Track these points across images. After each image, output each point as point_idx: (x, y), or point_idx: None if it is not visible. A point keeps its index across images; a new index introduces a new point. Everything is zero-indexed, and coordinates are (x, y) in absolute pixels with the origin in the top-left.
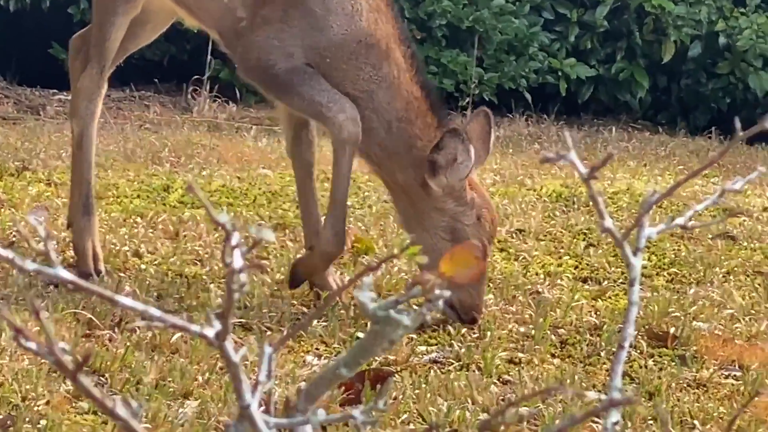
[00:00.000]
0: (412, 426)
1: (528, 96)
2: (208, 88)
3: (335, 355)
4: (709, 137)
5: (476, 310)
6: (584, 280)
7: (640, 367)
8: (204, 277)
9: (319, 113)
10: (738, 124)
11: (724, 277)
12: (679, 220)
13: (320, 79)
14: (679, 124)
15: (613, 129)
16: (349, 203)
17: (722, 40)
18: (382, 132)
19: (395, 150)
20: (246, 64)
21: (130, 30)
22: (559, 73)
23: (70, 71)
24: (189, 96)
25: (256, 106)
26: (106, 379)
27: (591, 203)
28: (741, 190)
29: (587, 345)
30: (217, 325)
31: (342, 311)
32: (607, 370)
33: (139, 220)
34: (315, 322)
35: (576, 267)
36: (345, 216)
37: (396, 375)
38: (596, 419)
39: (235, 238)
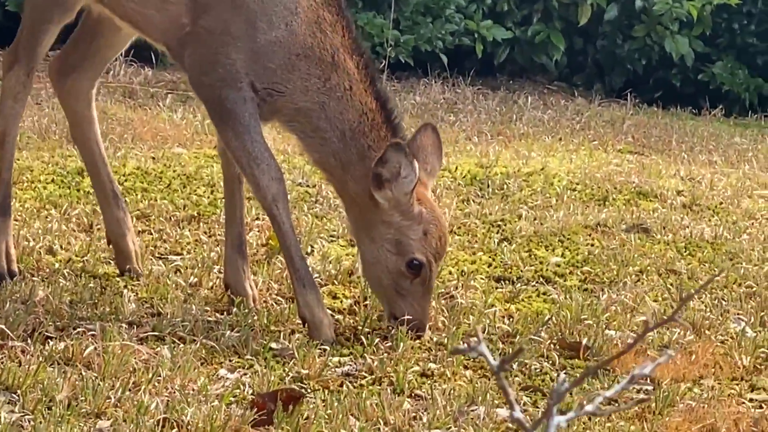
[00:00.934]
0: None
1: (444, 58)
2: (123, 51)
3: (249, 368)
4: (624, 103)
5: (421, 327)
6: (498, 280)
7: (552, 381)
8: (117, 278)
9: (245, 164)
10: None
11: (637, 276)
12: (589, 407)
13: (258, 129)
14: (596, 86)
15: (529, 96)
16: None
17: (638, 3)
18: (336, 142)
19: (348, 160)
20: (194, 80)
21: (106, 39)
22: (476, 35)
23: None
24: None
25: (172, 69)
26: (19, 396)
27: (505, 187)
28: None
29: (499, 355)
30: None
31: (256, 320)
32: (519, 383)
33: (53, 211)
34: (228, 332)
35: (490, 265)
36: (312, 282)
37: (308, 394)
38: None
39: None
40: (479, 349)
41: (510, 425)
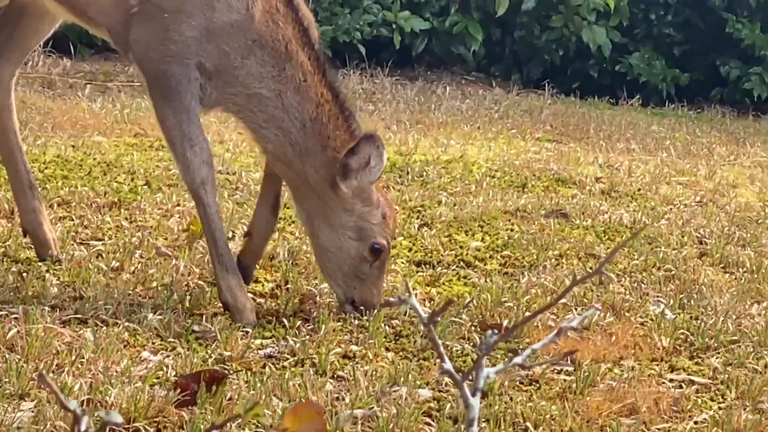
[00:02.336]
0: (247, 430)
1: (362, 49)
2: (41, 42)
3: (171, 350)
4: (542, 93)
5: (373, 307)
6: (418, 264)
7: (474, 362)
8: (39, 263)
9: (178, 144)
10: None
11: (557, 260)
12: (518, 359)
13: (197, 111)
14: (513, 77)
15: (447, 86)
16: None
17: None
18: (294, 132)
19: (308, 150)
20: (139, 54)
21: (29, 26)
22: (394, 26)
23: None
24: None
25: (91, 60)
26: None
27: (424, 174)
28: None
29: (421, 337)
30: None
31: (178, 304)
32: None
33: None
34: (150, 315)
35: (410, 249)
36: (234, 267)
37: (231, 375)
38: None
39: (84, 422)
40: (410, 301)
41: (431, 404)
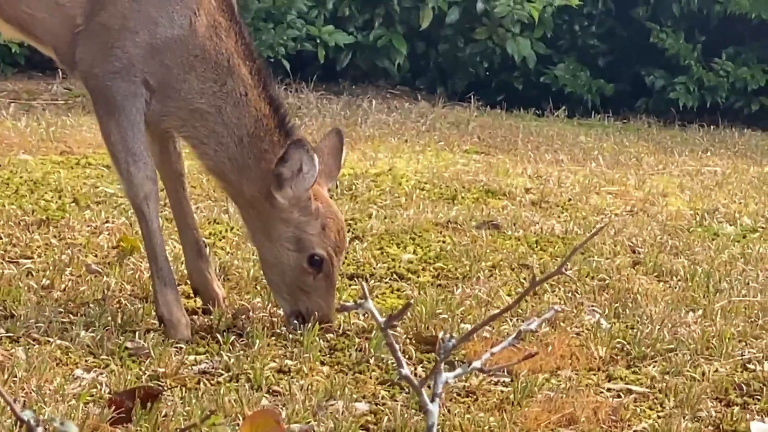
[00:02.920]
0: None
1: (287, 64)
2: None
3: (105, 367)
4: (468, 105)
5: (328, 320)
6: (351, 278)
7: (482, 373)
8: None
9: (122, 159)
10: None
11: (490, 271)
12: (477, 363)
13: (141, 126)
14: (439, 90)
15: (373, 99)
16: (111, 190)
17: (480, 5)
18: (232, 146)
19: (244, 164)
20: (84, 71)
21: None
22: (318, 41)
23: None
24: None
25: (14, 78)
26: None
27: (353, 187)
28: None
29: (356, 350)
30: None
31: (110, 321)
32: (376, 378)
33: None
34: (82, 332)
35: (343, 263)
36: (172, 282)
37: (166, 391)
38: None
39: None
40: (366, 305)
41: (368, 417)
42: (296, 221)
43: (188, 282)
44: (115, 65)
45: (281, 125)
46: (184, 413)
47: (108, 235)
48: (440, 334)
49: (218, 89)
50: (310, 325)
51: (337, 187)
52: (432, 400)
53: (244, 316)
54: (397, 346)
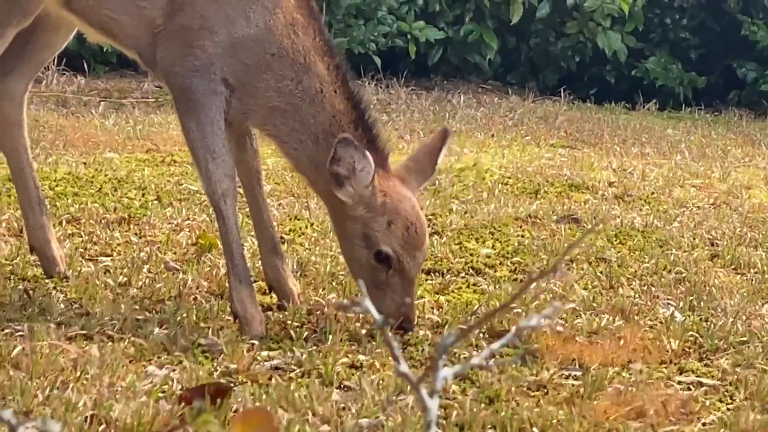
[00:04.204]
0: None
1: (377, 60)
2: (56, 60)
3: (177, 364)
4: (558, 100)
5: (407, 320)
6: (428, 272)
7: (481, 369)
8: (46, 280)
9: (201, 157)
10: None
11: (567, 265)
12: (476, 360)
13: (221, 123)
14: (530, 84)
15: (462, 94)
16: (194, 188)
17: (570, 0)
18: (310, 144)
19: (321, 162)
20: (165, 69)
21: (42, 40)
22: (408, 36)
23: None
24: None
25: (105, 77)
26: None
27: (436, 182)
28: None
29: (429, 345)
30: None
31: (185, 317)
32: None
33: None
34: (156, 329)
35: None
36: (248, 279)
37: (236, 387)
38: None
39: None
40: (363, 304)
41: (438, 412)
42: (363, 218)
43: (264, 278)
44: (194, 64)
45: (358, 122)
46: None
47: (188, 232)
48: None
49: (294, 87)
50: (388, 324)
51: None
52: (431, 396)
53: (318, 312)
54: (395, 344)
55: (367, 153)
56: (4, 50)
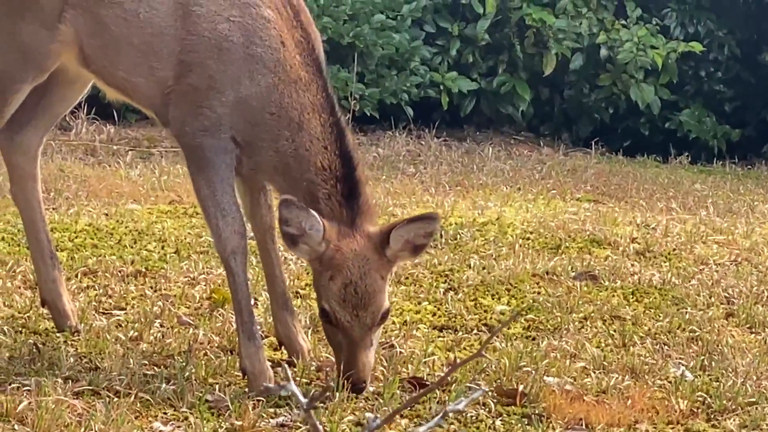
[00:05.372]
0: None
1: (410, 111)
2: (85, 109)
3: (183, 420)
4: (590, 152)
5: (356, 381)
6: (441, 329)
7: (488, 428)
8: (57, 334)
9: (212, 214)
10: None
11: (580, 323)
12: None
13: (231, 181)
14: (563, 136)
15: (493, 145)
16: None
17: (604, 52)
18: (306, 201)
19: None
20: (176, 128)
21: (57, 94)
22: (441, 87)
23: None
24: (67, 116)
25: (135, 126)
26: None
27: (458, 237)
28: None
29: (436, 403)
30: None
31: (193, 373)
32: (455, 431)
33: None
34: (164, 385)
35: (434, 314)
36: (257, 336)
37: None
38: None
39: None
40: (289, 387)
41: None
42: (317, 272)
43: (275, 333)
44: (204, 123)
45: (343, 180)
46: None
47: (204, 285)
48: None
49: (289, 146)
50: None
51: (441, 236)
52: None
53: (328, 368)
54: (320, 428)
55: (312, 212)
56: (20, 104)
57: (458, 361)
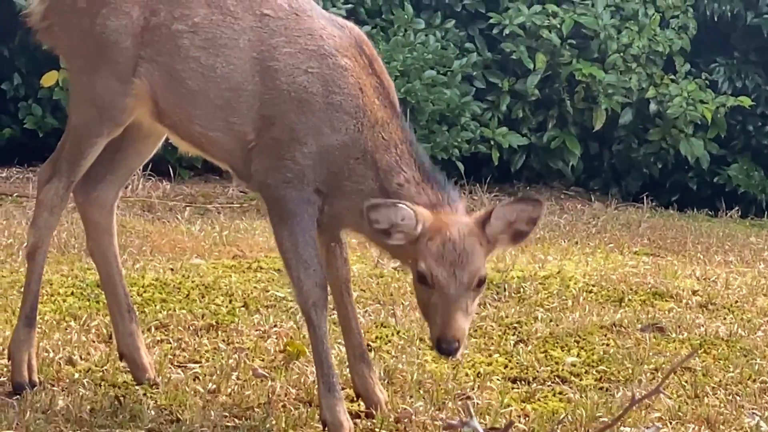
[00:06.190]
0: None
1: (461, 166)
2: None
3: None
4: (641, 206)
5: (448, 342)
6: (514, 380)
7: None
8: (136, 387)
9: (293, 266)
10: None
11: (652, 374)
12: None
13: (313, 232)
14: (612, 191)
15: (546, 200)
16: (281, 294)
17: (653, 107)
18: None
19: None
20: (259, 181)
21: (132, 148)
22: (492, 142)
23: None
24: None
25: (190, 182)
26: None
27: (521, 290)
28: None
29: None
30: None
31: (274, 425)
32: None
33: (72, 323)
34: None
35: (506, 366)
36: (337, 387)
37: None
38: None
39: None
40: (472, 424)
41: None
42: (410, 249)
43: (352, 385)
44: (287, 175)
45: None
46: None
47: (276, 339)
48: None
49: (373, 184)
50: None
51: (505, 289)
52: None
53: (406, 420)
54: None
55: (399, 203)
56: (95, 158)
57: (636, 397)
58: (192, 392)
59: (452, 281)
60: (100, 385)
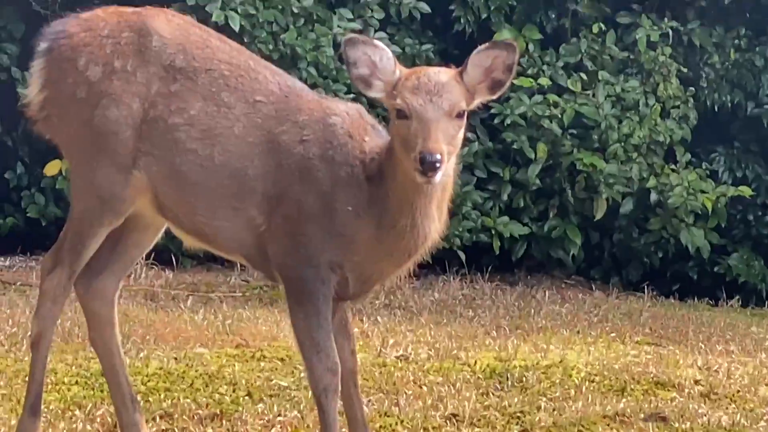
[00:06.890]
0: None
1: (462, 255)
2: (144, 255)
3: None
4: (642, 296)
5: (433, 150)
6: None
7: None
8: None
9: (306, 348)
10: None
11: None
12: None
13: (327, 315)
14: (613, 280)
15: (546, 289)
16: (285, 383)
17: (654, 196)
18: None
19: None
20: (278, 262)
21: (132, 239)
22: (493, 232)
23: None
24: None
25: (192, 270)
26: None
27: (524, 379)
28: None
29: None
30: None
31: None
32: None
33: (77, 412)
34: None
35: None
36: None
37: None
38: None
39: None
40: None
41: None
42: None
43: None
44: (301, 253)
45: None
46: None
47: (280, 428)
48: None
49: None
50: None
51: (507, 378)
52: None
53: None
54: None
55: (379, 43)
56: (96, 249)
57: None
58: None
59: (429, 106)
60: None
